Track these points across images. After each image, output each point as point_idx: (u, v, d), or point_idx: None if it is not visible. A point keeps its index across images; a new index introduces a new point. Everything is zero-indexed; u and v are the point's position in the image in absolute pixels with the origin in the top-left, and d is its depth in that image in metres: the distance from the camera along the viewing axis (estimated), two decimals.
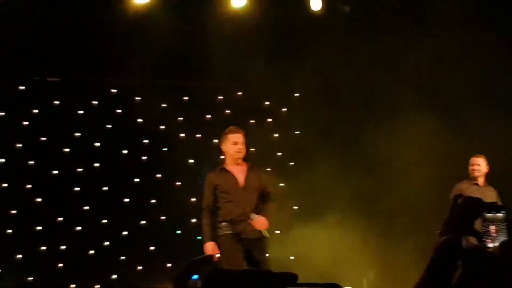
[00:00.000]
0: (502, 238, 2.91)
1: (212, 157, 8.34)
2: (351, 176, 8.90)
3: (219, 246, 6.39)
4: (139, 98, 9.12)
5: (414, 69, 8.63)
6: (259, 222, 6.26)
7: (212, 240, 6.36)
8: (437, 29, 8.47)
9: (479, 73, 8.48)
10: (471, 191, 7.46)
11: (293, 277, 0.85)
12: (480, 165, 7.71)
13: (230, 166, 6.54)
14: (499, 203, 7.42)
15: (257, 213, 6.35)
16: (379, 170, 8.89)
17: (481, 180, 7.73)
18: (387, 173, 8.79)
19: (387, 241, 8.69)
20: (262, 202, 6.51)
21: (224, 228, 6.37)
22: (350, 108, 9.14)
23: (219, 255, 6.30)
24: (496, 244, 2.88)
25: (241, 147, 6.49)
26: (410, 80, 8.73)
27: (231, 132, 6.56)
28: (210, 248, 6.31)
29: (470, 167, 7.76)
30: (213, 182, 6.49)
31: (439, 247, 0.56)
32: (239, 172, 6.50)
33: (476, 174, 7.69)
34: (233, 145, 6.49)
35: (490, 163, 7.89)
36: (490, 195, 7.51)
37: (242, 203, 6.36)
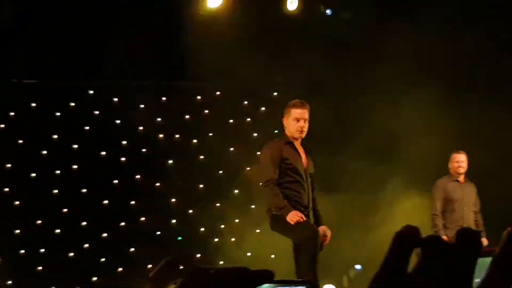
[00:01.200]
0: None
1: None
2: (332, 174, 8.92)
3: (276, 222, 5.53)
4: (116, 99, 9.09)
5: (395, 66, 8.67)
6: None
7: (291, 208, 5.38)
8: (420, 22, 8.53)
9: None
10: (453, 187, 7.54)
11: (269, 274, 0.86)
12: (464, 162, 7.74)
13: (295, 142, 5.63)
14: (478, 199, 7.52)
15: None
16: (362, 171, 8.90)
17: (462, 177, 7.77)
18: (370, 174, 8.81)
19: (368, 237, 8.72)
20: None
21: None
22: (330, 107, 9.15)
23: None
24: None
25: (303, 125, 5.55)
26: (391, 77, 8.76)
27: (295, 106, 5.60)
28: (295, 214, 5.31)
29: (455, 164, 7.73)
30: (281, 154, 5.52)
31: (397, 236, 0.57)
32: (302, 152, 5.64)
33: (462, 171, 7.71)
34: (295, 121, 5.55)
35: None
36: (471, 191, 7.62)
37: (307, 190, 5.57)
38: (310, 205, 5.59)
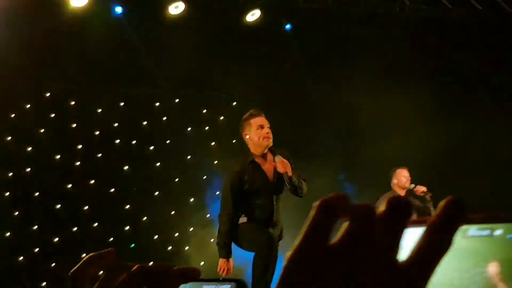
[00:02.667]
0: None
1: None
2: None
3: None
4: (73, 103, 8.98)
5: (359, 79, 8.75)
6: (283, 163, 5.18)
7: (228, 256, 5.33)
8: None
9: None
10: None
11: (195, 272, 0.84)
12: (409, 176, 7.77)
13: (259, 160, 5.40)
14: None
15: None
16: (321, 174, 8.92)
17: (404, 192, 7.76)
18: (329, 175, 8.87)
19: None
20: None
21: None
22: (289, 117, 9.18)
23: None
24: None
25: (267, 130, 5.31)
26: (353, 86, 8.85)
27: (253, 115, 5.38)
28: (223, 263, 5.29)
29: (402, 178, 7.73)
30: (241, 183, 5.32)
31: (321, 203, 0.55)
32: (269, 165, 5.37)
33: (409, 185, 7.70)
34: (259, 129, 5.30)
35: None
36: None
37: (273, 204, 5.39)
38: (275, 220, 5.43)
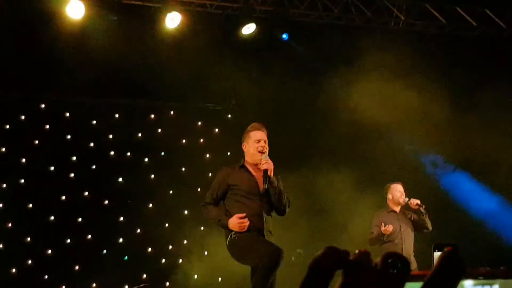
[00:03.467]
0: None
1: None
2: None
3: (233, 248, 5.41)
4: (68, 114, 8.97)
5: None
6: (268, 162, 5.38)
7: (228, 220, 5.36)
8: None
9: None
10: (393, 220, 7.47)
11: None
12: (403, 191, 7.71)
13: (250, 166, 5.60)
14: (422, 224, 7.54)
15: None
16: (310, 178, 8.90)
17: (399, 207, 7.71)
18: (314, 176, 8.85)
19: (315, 221, 8.69)
20: None
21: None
22: (285, 132, 9.15)
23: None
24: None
25: (263, 144, 5.52)
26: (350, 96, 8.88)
27: (254, 128, 5.62)
28: (234, 221, 5.31)
29: (397, 193, 7.67)
30: (226, 180, 5.55)
31: (313, 263, 0.54)
32: (260, 176, 5.48)
33: (403, 199, 7.62)
34: (255, 143, 5.53)
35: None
36: (409, 221, 7.56)
37: (262, 213, 5.45)
38: (266, 228, 5.43)
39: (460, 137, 8.83)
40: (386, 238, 7.36)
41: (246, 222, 5.31)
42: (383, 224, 7.30)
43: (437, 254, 3.08)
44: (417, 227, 7.55)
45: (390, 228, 7.22)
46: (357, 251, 0.65)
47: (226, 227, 5.39)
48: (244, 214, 5.33)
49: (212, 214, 5.51)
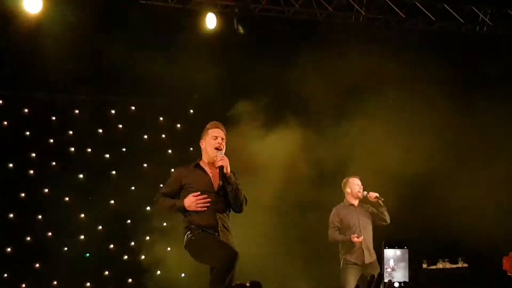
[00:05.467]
0: (399, 275, 3.05)
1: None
2: (251, 190, 8.89)
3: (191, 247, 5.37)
4: (27, 110, 8.84)
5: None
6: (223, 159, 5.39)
7: (181, 202, 5.37)
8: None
9: None
10: (352, 213, 7.53)
11: None
12: (361, 184, 7.76)
13: (205, 165, 5.61)
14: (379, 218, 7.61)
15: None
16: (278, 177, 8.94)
17: (357, 201, 7.76)
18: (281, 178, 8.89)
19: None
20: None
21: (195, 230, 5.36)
22: (248, 128, 9.16)
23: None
24: (394, 279, 3.02)
25: (220, 141, 5.55)
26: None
27: (212, 126, 5.66)
28: (190, 199, 5.32)
29: (355, 187, 7.72)
30: (180, 179, 5.54)
31: None
32: (215, 172, 5.51)
33: (362, 193, 7.68)
34: (213, 139, 5.56)
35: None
36: (367, 214, 7.62)
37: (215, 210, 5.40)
38: (221, 225, 5.41)
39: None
40: (347, 233, 7.42)
41: (204, 199, 5.30)
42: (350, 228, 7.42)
43: (387, 251, 3.11)
44: (376, 220, 7.62)
45: (361, 239, 7.30)
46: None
47: (183, 209, 5.38)
48: (198, 193, 5.32)
49: (166, 202, 5.47)
